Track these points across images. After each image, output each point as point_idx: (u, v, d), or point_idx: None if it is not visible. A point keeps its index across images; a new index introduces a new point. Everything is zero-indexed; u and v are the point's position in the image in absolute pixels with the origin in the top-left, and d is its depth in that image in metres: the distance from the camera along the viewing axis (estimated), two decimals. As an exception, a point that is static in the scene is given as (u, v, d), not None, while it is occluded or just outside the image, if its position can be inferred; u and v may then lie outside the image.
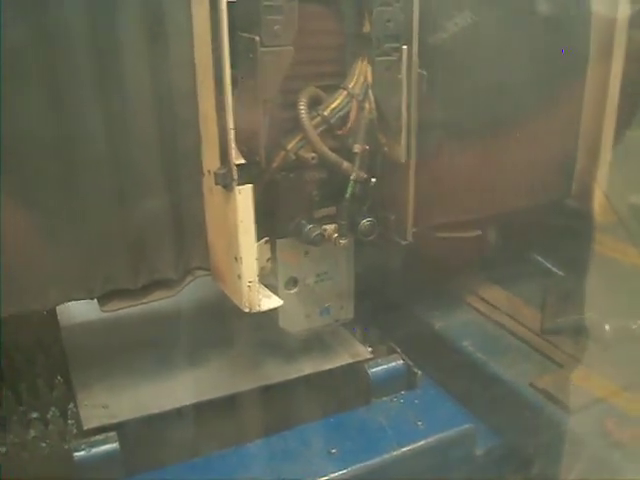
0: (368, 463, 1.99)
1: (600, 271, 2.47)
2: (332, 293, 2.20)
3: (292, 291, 2.12)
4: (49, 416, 2.08)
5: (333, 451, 2.02)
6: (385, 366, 2.28)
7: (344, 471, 1.96)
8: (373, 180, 2.00)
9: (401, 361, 2.31)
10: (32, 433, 2.04)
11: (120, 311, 2.34)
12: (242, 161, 1.77)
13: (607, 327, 2.29)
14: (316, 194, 2.01)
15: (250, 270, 1.85)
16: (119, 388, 2.15)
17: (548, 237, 2.74)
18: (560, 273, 2.75)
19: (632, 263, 2.61)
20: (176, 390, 2.14)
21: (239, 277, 1.87)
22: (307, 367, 2.27)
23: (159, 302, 2.09)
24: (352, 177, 1.95)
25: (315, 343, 2.36)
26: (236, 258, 1.86)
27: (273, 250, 2.06)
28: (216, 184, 1.80)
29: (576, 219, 2.60)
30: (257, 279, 1.87)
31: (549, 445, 2.03)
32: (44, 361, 2.34)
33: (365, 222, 2.04)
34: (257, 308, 1.90)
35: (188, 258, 2.05)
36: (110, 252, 1.96)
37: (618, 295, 2.41)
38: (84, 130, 1.82)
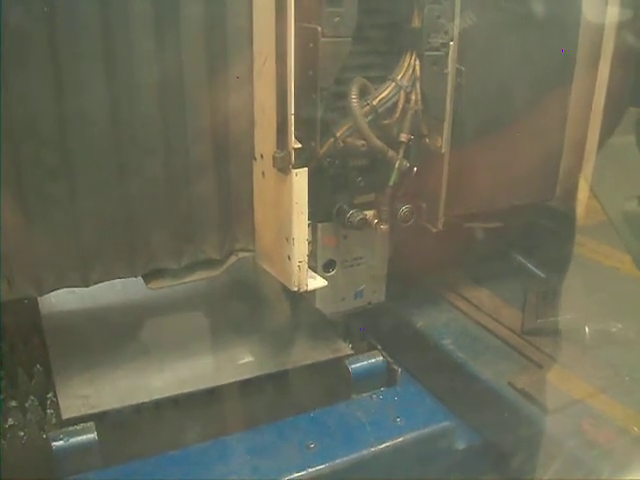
0: (346, 458, 2.01)
1: (581, 273, 2.53)
2: (366, 276, 2.28)
3: (330, 273, 2.20)
4: (28, 405, 2.09)
5: (311, 446, 2.04)
6: (365, 362, 2.31)
7: (322, 466, 1.98)
8: (415, 169, 2.09)
9: (381, 357, 2.34)
10: (10, 421, 2.04)
11: (102, 301, 2.46)
12: (299, 145, 1.85)
13: (587, 329, 2.34)
14: (360, 180, 2.09)
15: (301, 251, 1.93)
16: (99, 378, 2.15)
17: (531, 238, 2.84)
18: (541, 274, 2.81)
19: (613, 266, 2.72)
20: (155, 382, 2.16)
21: (289, 257, 1.94)
22: (287, 362, 2.30)
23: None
24: (396, 165, 2.04)
25: (296, 338, 2.41)
26: (287, 239, 1.93)
27: (313, 233, 2.13)
28: (274, 167, 1.87)
29: (558, 221, 2.71)
30: (306, 260, 1.95)
31: (526, 444, 2.07)
32: (24, 349, 2.33)
33: (405, 209, 2.13)
34: (305, 288, 1.97)
35: (233, 239, 2.13)
36: (155, 232, 2.02)
37: (598, 297, 2.48)
38: (137, 117, 1.89)
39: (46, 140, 1.81)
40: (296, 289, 1.97)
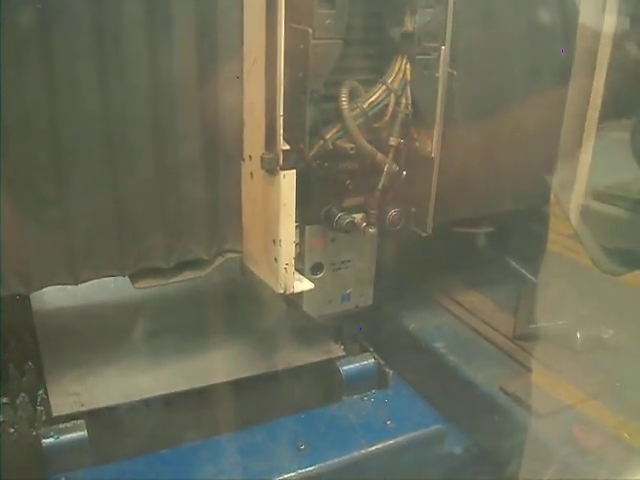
0: (336, 460, 2.02)
1: (573, 278, 2.57)
2: (354, 280, 2.28)
3: (317, 276, 2.19)
4: (19, 402, 2.07)
5: (302, 447, 2.04)
6: (357, 364, 2.31)
7: (312, 467, 1.99)
8: (404, 173, 2.08)
9: (373, 360, 2.34)
10: (1, 418, 2.03)
11: (94, 299, 2.45)
12: (287, 147, 1.84)
13: (578, 335, 2.35)
14: (348, 183, 2.09)
15: (288, 253, 1.93)
16: (90, 376, 2.15)
17: (523, 243, 2.81)
18: (533, 279, 2.79)
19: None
20: (146, 381, 2.15)
21: (276, 260, 1.94)
22: (279, 363, 2.29)
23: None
24: (385, 169, 2.03)
25: (287, 339, 2.39)
26: (274, 241, 1.92)
27: (301, 235, 2.13)
28: (262, 168, 1.86)
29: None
30: (293, 262, 1.94)
31: (516, 448, 2.06)
32: (15, 346, 2.31)
33: (393, 212, 2.13)
34: (291, 290, 1.96)
35: (221, 240, 2.11)
36: (145, 231, 2.00)
37: (591, 303, 2.49)
38: (128, 116, 1.88)
39: (37, 138, 1.80)
40: (282, 291, 1.96)
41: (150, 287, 2.08)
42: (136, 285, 2.06)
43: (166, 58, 1.87)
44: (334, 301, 2.27)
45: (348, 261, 2.24)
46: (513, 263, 2.88)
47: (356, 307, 2.33)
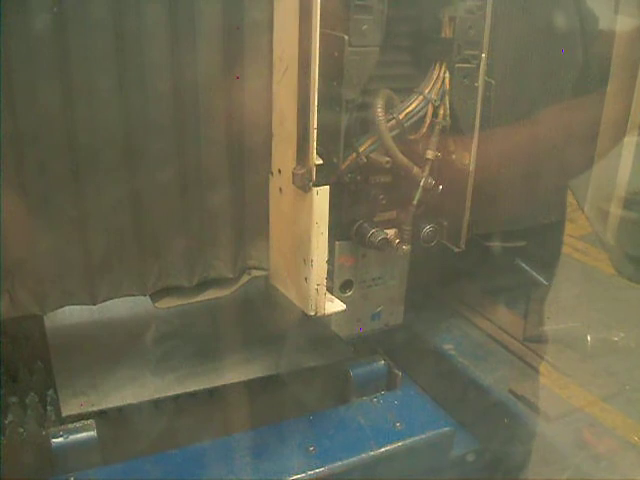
0: (345, 462, 1.99)
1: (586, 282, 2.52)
2: (384, 298, 2.18)
3: (347, 294, 2.09)
4: (28, 401, 2.04)
5: (311, 449, 2.02)
6: (366, 366, 2.27)
7: (321, 469, 1.96)
8: (440, 187, 1.98)
9: (382, 361, 2.30)
10: (10, 417, 1.99)
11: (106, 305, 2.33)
12: (320, 162, 1.73)
13: (588, 337, 2.32)
14: (382, 198, 1.98)
15: (320, 273, 1.81)
16: (100, 376, 2.11)
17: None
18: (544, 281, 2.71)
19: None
20: (157, 381, 2.11)
21: (306, 280, 1.83)
22: (288, 364, 2.24)
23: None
24: (421, 183, 1.92)
25: (297, 341, 2.33)
26: (305, 260, 1.81)
27: (330, 252, 2.02)
28: (293, 183, 1.76)
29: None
30: (325, 282, 1.84)
31: (525, 450, 2.05)
32: (25, 345, 2.28)
33: (428, 228, 2.03)
34: (322, 312, 1.86)
35: (246, 257, 2.02)
36: (166, 248, 1.91)
37: (601, 305, 2.49)
38: (148, 126, 1.78)
39: (53, 149, 1.70)
40: (313, 313, 1.85)
41: (171, 307, 1.98)
42: (157, 305, 1.97)
43: (191, 65, 1.77)
44: (363, 320, 2.18)
45: (379, 278, 2.14)
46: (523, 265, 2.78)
47: (386, 326, 2.24)
